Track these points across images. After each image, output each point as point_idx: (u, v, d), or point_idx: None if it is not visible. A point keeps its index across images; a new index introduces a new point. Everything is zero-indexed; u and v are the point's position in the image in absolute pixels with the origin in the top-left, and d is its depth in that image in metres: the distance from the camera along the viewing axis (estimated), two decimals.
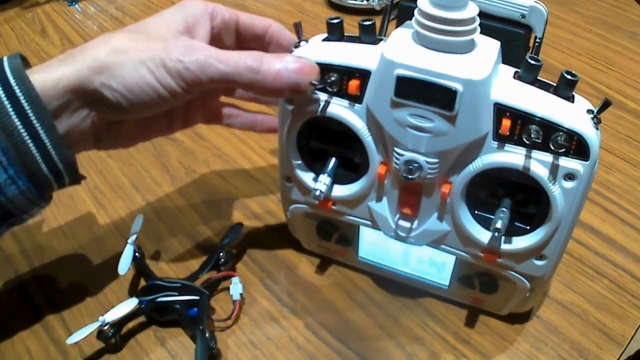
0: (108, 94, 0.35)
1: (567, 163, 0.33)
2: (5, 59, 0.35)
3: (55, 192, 0.37)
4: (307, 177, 0.41)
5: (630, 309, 0.45)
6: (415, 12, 0.33)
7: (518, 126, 0.33)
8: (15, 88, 0.33)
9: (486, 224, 0.37)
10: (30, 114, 0.33)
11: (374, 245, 0.44)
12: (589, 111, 0.33)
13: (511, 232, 0.37)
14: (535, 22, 0.38)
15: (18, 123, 0.33)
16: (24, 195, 0.35)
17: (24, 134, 0.33)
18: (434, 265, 0.43)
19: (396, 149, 0.35)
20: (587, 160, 0.33)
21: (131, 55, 0.35)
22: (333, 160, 0.40)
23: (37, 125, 0.34)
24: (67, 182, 0.37)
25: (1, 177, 0.33)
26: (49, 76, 0.34)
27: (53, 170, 0.35)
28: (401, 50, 0.33)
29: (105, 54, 0.35)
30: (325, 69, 0.36)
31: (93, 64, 0.34)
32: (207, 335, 0.40)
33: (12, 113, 0.33)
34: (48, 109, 0.34)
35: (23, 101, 0.33)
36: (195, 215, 0.51)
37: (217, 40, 0.41)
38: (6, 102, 0.33)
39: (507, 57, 0.34)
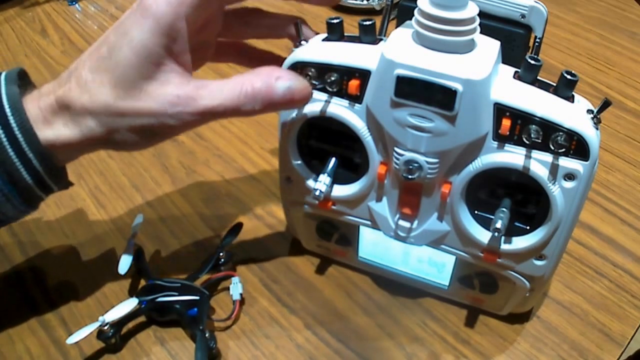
0: (111, 149, 0.37)
1: (567, 163, 0.33)
2: (3, 86, 0.35)
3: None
4: (307, 177, 0.41)
5: (630, 309, 0.45)
6: (415, 12, 0.33)
7: (518, 126, 0.33)
8: (10, 119, 0.34)
9: (486, 224, 0.37)
10: (25, 146, 0.35)
11: (374, 245, 0.44)
12: (589, 111, 0.33)
13: (511, 232, 0.37)
14: (535, 22, 0.38)
15: (12, 153, 0.35)
16: (16, 209, 0.37)
17: (18, 163, 0.35)
18: (434, 265, 0.43)
19: (396, 149, 0.35)
20: (587, 160, 0.33)
21: (125, 124, 0.35)
22: (333, 160, 0.40)
23: (30, 156, 0.35)
24: (56, 191, 0.38)
25: None
26: (57, 138, 0.35)
27: (45, 190, 0.37)
28: (401, 50, 0.33)
29: (99, 126, 0.35)
30: (325, 69, 0.36)
31: (93, 134, 0.35)
32: (207, 335, 0.40)
33: (6, 144, 0.34)
34: (41, 142, 0.35)
35: (17, 133, 0.34)
36: (195, 215, 0.51)
37: (198, 31, 0.37)
38: (1, 133, 0.34)
39: (507, 57, 0.34)
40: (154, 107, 0.34)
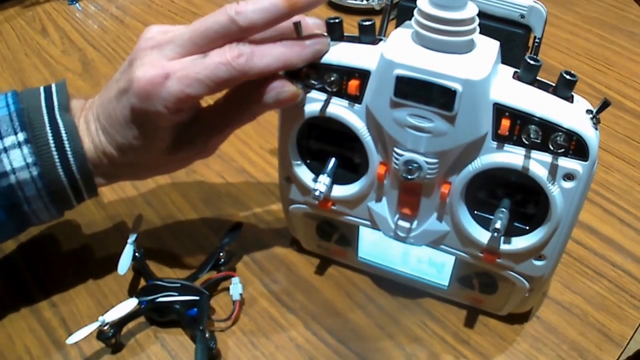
0: None
1: (566, 163, 0.33)
2: (57, 111, 0.38)
3: None
4: (306, 177, 0.41)
5: (629, 309, 0.45)
6: (415, 12, 0.33)
7: (517, 126, 0.33)
8: (66, 143, 0.38)
9: (485, 224, 0.37)
10: (75, 169, 0.38)
11: (374, 246, 0.44)
12: (588, 111, 0.33)
13: (510, 232, 0.37)
14: (534, 22, 0.38)
15: (62, 174, 0.38)
16: (51, 215, 0.41)
17: (66, 183, 0.38)
18: (434, 266, 0.43)
19: (396, 149, 0.35)
20: (586, 161, 0.33)
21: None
22: (333, 160, 0.40)
23: (78, 177, 0.39)
24: (86, 200, 0.42)
25: (39, 205, 0.39)
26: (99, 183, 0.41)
27: (79, 201, 0.41)
28: (401, 50, 0.33)
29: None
30: (324, 69, 0.36)
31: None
32: (207, 335, 0.40)
33: (58, 165, 0.38)
34: (89, 166, 0.39)
35: (70, 157, 0.38)
36: (195, 215, 0.51)
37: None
38: (55, 154, 0.37)
39: (507, 57, 0.34)
40: (183, 166, 0.43)
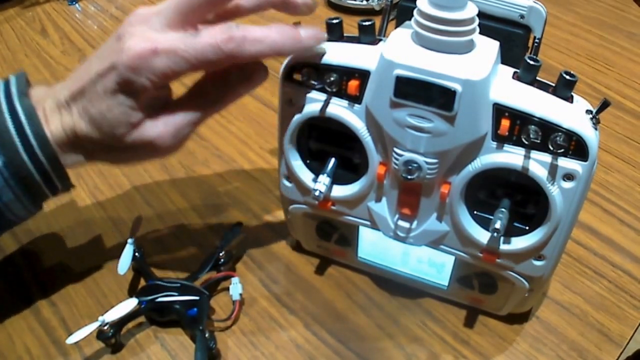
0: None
1: (566, 163, 0.33)
2: (15, 97, 0.38)
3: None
4: (306, 177, 0.41)
5: (629, 309, 0.45)
6: (415, 12, 0.33)
7: (517, 126, 0.33)
8: (26, 126, 0.37)
9: (485, 224, 0.37)
10: (38, 151, 0.37)
11: (374, 246, 0.44)
12: (588, 111, 0.33)
13: (510, 232, 0.37)
14: (534, 23, 0.38)
15: (27, 159, 0.37)
16: (25, 208, 0.39)
17: (32, 168, 0.37)
18: (433, 266, 0.43)
19: (395, 149, 0.35)
20: (586, 161, 0.33)
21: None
22: (333, 160, 0.40)
23: (43, 160, 0.37)
24: (60, 190, 0.40)
25: (10, 196, 0.38)
26: (65, 162, 0.39)
27: (52, 189, 0.39)
28: (400, 50, 0.33)
29: (107, 158, 0.40)
30: (324, 69, 0.36)
31: (99, 159, 0.40)
32: (206, 335, 0.40)
33: (21, 150, 0.37)
34: (53, 147, 0.37)
35: (32, 139, 0.37)
36: (195, 215, 0.51)
37: None
38: (17, 139, 0.37)
39: (506, 57, 0.34)
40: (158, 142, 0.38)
